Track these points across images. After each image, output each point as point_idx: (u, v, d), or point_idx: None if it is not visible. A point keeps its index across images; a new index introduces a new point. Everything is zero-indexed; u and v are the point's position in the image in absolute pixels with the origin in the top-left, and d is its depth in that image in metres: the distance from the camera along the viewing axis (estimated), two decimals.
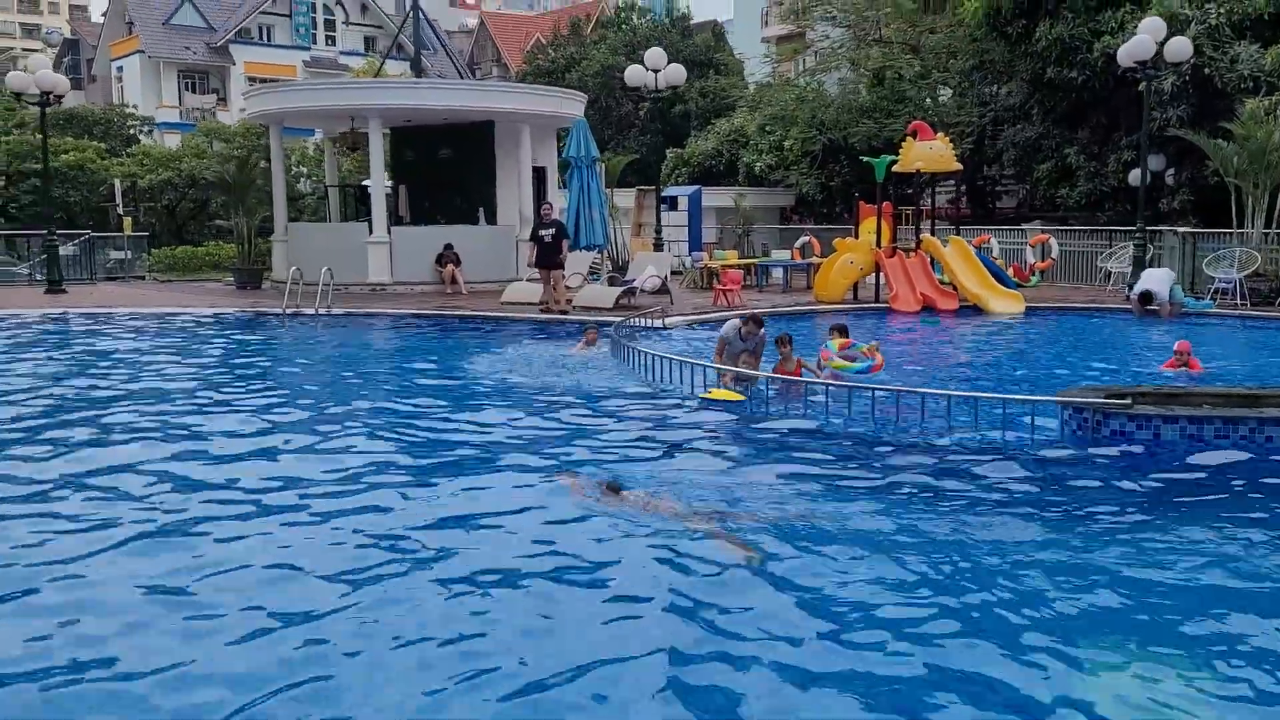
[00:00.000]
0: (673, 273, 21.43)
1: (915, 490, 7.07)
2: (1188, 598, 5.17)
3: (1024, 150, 25.95)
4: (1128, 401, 8.42)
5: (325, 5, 56.84)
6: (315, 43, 56.14)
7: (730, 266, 21.21)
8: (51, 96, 21.41)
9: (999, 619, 4.88)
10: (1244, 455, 7.87)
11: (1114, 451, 8.08)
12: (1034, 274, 22.41)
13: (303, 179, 34.74)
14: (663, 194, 25.07)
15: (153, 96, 51.57)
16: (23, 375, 11.71)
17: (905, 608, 5.00)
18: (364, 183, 28.27)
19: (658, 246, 22.24)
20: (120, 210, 30.58)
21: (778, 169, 30.91)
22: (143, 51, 52.17)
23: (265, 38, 55.53)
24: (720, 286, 18.98)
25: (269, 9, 55.07)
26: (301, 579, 5.38)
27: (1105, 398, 8.66)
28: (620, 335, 12.86)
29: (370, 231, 21.95)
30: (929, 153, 19.14)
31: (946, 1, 30.43)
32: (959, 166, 20.20)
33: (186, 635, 4.66)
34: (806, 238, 25.62)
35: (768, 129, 31.42)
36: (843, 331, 11.11)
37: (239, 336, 15.83)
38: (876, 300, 19.07)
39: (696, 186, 29.27)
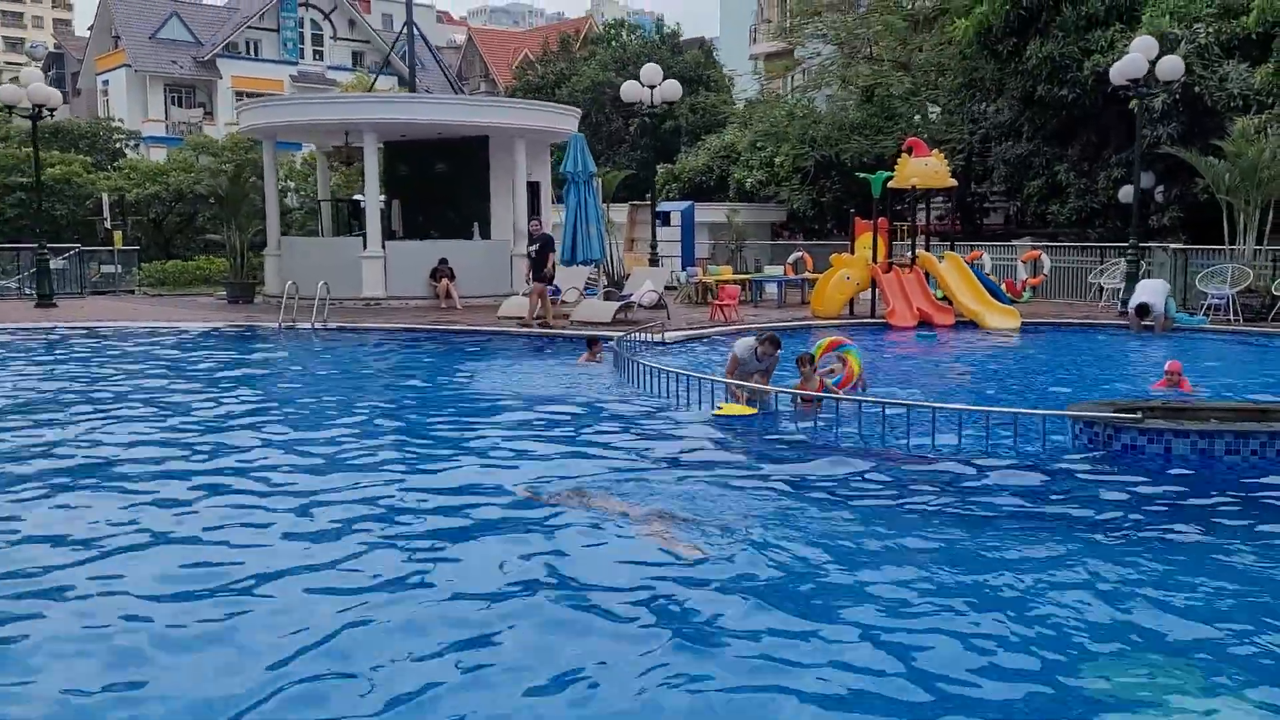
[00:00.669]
0: (667, 288, 21.46)
1: (928, 504, 7.07)
2: (1210, 614, 5.17)
3: (1014, 167, 26.14)
4: (1138, 416, 8.46)
5: (313, 20, 56.85)
6: (303, 57, 56.12)
7: (727, 282, 21.24)
8: (43, 109, 21.26)
9: (1016, 635, 4.87)
10: (1256, 470, 7.92)
11: (1125, 466, 8.11)
12: (1026, 290, 22.56)
13: (290, 193, 34.62)
14: (657, 209, 25.11)
15: (139, 110, 51.40)
16: (18, 390, 11.60)
17: (916, 619, 5.00)
18: (355, 197, 28.22)
19: (653, 262, 22.26)
20: (108, 224, 30.39)
21: (769, 185, 31.05)
22: (129, 65, 52.01)
23: (253, 52, 55.47)
24: (717, 302, 19.01)
25: (257, 24, 55.04)
26: (284, 587, 5.40)
27: (1115, 412, 8.71)
28: (624, 349, 12.84)
29: (365, 246, 21.89)
30: (924, 169, 19.25)
31: (936, 20, 30.68)
32: (954, 183, 20.33)
33: (164, 666, 4.60)
34: (799, 253, 25.72)
35: (759, 145, 31.57)
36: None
37: (235, 352, 15.71)
38: (873, 315, 19.13)
39: (689, 202, 29.36)
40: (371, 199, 22.16)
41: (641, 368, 11.58)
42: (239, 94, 52.62)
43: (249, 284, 23.49)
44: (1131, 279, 19.18)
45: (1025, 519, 6.79)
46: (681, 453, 8.59)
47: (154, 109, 52.42)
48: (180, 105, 53.83)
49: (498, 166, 23.22)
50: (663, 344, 15.38)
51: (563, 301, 19.78)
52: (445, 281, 21.35)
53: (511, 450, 8.56)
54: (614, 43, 44.39)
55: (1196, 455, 8.18)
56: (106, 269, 26.21)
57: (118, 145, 41.22)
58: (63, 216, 31.39)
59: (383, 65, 34.42)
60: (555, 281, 20.76)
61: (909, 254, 19.91)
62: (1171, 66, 18.64)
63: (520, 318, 18.07)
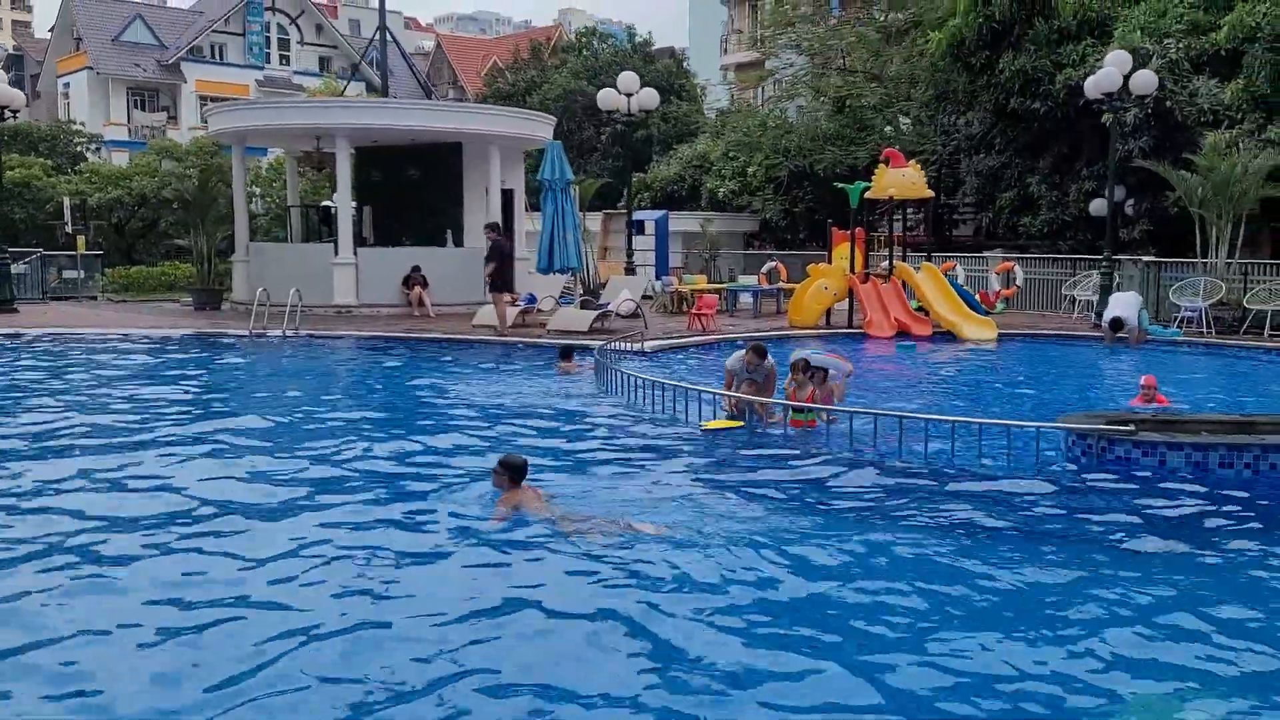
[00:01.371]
0: (643, 297, 21.33)
1: (920, 517, 6.97)
2: (1215, 624, 5.10)
3: (986, 179, 26.27)
4: (1131, 428, 8.42)
5: (279, 25, 56.24)
6: (269, 62, 55.45)
7: (705, 291, 21.15)
8: (5, 111, 20.77)
9: (1018, 653, 4.77)
10: (1249, 482, 7.91)
11: (1118, 477, 8.06)
12: (999, 301, 22.62)
13: (255, 199, 34.11)
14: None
15: (100, 113, 50.54)
16: None
17: (909, 636, 4.90)
18: (324, 203, 27.86)
19: (629, 270, 22.11)
20: (69, 228, 29.79)
21: (741, 194, 31.03)
22: (91, 68, 51.13)
23: (218, 56, 54.75)
24: (695, 311, 18.89)
25: (222, 28, 54.34)
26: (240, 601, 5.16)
27: (1106, 424, 8.67)
28: (606, 359, 12.67)
29: (336, 253, 21.57)
30: (902, 180, 19.28)
31: (908, 32, 30.85)
32: (930, 194, 20.39)
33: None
34: (773, 263, 25.67)
35: (731, 155, 31.55)
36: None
37: (204, 359, 15.37)
38: (850, 326, 19.11)
39: (664, 211, 29.26)
40: (344, 205, 21.85)
41: (626, 378, 11.42)
42: (203, 98, 51.90)
43: (216, 290, 23.07)
44: (1105, 291, 19.29)
45: (1025, 534, 6.71)
46: (667, 466, 8.45)
47: (116, 112, 51.56)
48: (143, 109, 52.99)
49: (471, 173, 22.99)
50: (643, 353, 15.23)
51: (539, 310, 19.58)
52: (418, 289, 21.08)
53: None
54: (585, 51, 44.29)
55: (1190, 468, 8.15)
56: (69, 274, 25.64)
57: (79, 149, 40.50)
58: (21, 220, 30.73)
59: (353, 71, 34.00)
60: (530, 290, 20.62)
61: (884, 264, 19.93)
62: (1145, 81, 18.80)
63: (493, 326, 17.89)
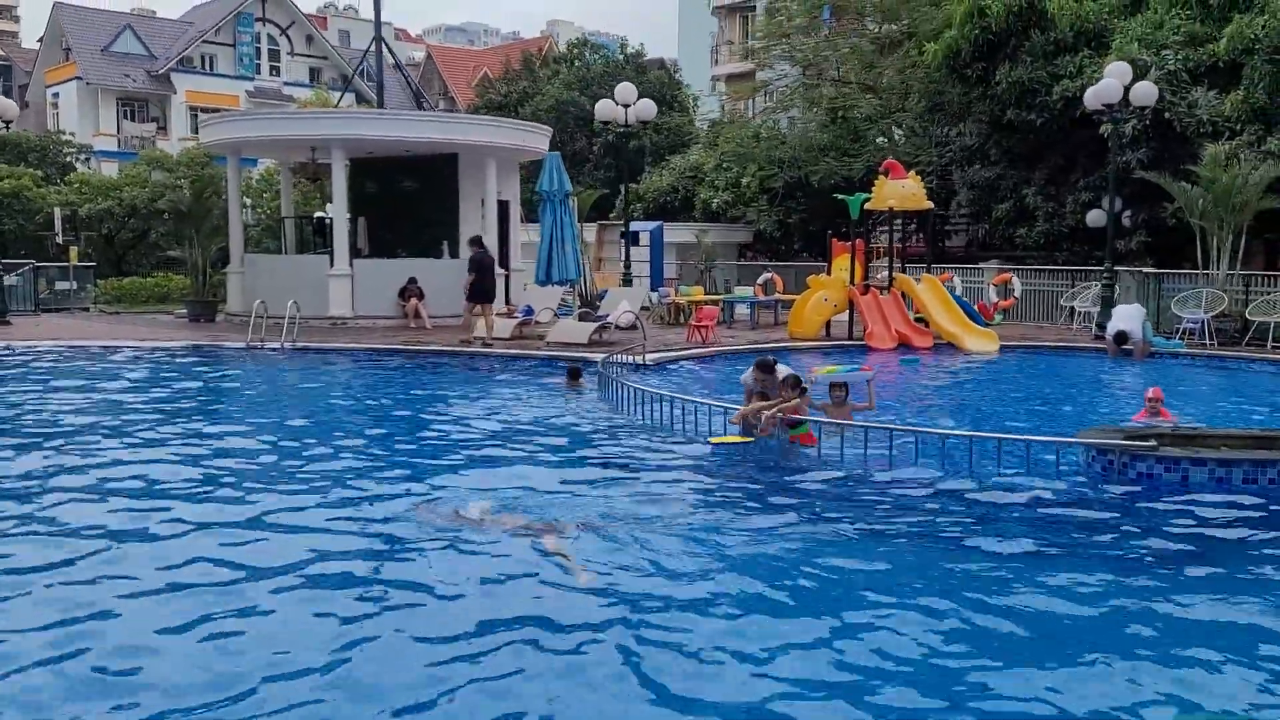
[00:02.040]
0: (641, 308, 21.19)
1: (942, 532, 6.85)
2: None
3: (982, 190, 26.25)
4: (1153, 444, 8.32)
5: (270, 36, 56.09)
6: (259, 73, 55.32)
7: (704, 303, 21.03)
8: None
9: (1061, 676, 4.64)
10: (1275, 497, 7.80)
11: (1141, 494, 7.95)
12: (997, 313, 22.58)
13: (246, 210, 33.85)
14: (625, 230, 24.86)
15: (90, 124, 50.27)
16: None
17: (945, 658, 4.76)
18: (317, 214, 27.66)
19: (626, 282, 21.99)
20: (59, 239, 29.51)
21: (735, 205, 30.95)
22: (80, 78, 50.89)
23: (208, 67, 54.57)
24: (695, 323, 18.76)
25: (212, 38, 54.18)
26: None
27: (1125, 438, 8.57)
28: (610, 373, 12.53)
29: (331, 264, 21.38)
30: (902, 191, 19.22)
31: (902, 44, 30.86)
32: (930, 205, 20.32)
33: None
34: (769, 274, 25.60)
35: (724, 166, 31.49)
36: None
37: (205, 372, 15.16)
38: (850, 337, 19.01)
39: (658, 222, 29.16)
40: (339, 216, 21.68)
41: (632, 392, 11.29)
42: (193, 109, 51.71)
43: (211, 302, 22.85)
44: (1106, 303, 19.24)
45: (1057, 554, 6.56)
46: (673, 480, 8.34)
47: (105, 123, 51.30)
48: (133, 119, 52.74)
49: (467, 184, 22.84)
50: (644, 366, 15.09)
51: (537, 322, 19.43)
52: (414, 301, 20.92)
53: (502, 480, 8.22)
54: (577, 62, 44.22)
55: (1214, 484, 8.04)
56: (61, 286, 25.36)
57: (68, 159, 40.21)
58: (11, 231, 30.45)
59: (349, 82, 33.87)
60: (528, 303, 20.49)
61: (881, 275, 19.86)
62: (1145, 92, 18.80)
63: (505, 338, 17.81)
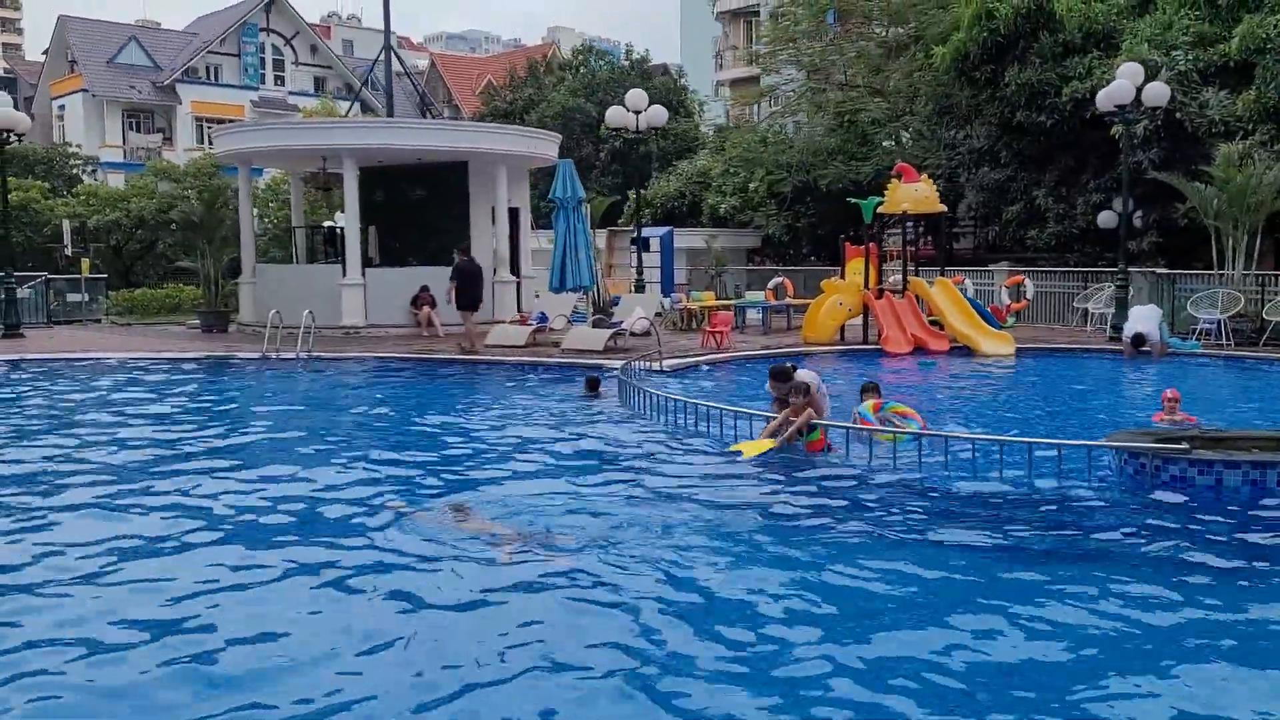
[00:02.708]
0: (654, 314, 21.18)
1: (981, 539, 6.81)
2: None
3: (992, 192, 26.23)
4: (1185, 447, 8.27)
5: (274, 46, 56.19)
6: (264, 83, 55.38)
7: (718, 308, 21.01)
8: (11, 134, 20.54)
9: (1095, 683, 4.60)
10: None
11: (1177, 497, 7.91)
12: (1010, 315, 22.55)
13: (254, 219, 33.89)
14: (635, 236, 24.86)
15: (96, 135, 50.33)
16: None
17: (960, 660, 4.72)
18: (326, 224, 27.68)
19: (639, 288, 21.98)
20: (68, 251, 29.56)
21: (743, 210, 30.95)
22: (86, 90, 50.97)
23: (213, 77, 54.65)
24: (709, 329, 18.74)
25: (217, 49, 54.27)
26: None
27: (1155, 441, 8.52)
28: (631, 379, 12.51)
29: (344, 273, 21.39)
30: (915, 194, 19.18)
31: (909, 47, 30.86)
32: (943, 208, 20.29)
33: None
34: (780, 279, 25.57)
35: (732, 170, 31.49)
36: (875, 390, 10.58)
37: (224, 384, 15.16)
38: (865, 342, 18.98)
39: (668, 228, 29.15)
40: (351, 225, 21.70)
41: (654, 399, 11.26)
42: (199, 119, 51.85)
43: (223, 312, 22.86)
44: (1121, 305, 19.20)
45: (1104, 559, 6.51)
46: (697, 487, 8.28)
47: (111, 134, 51.37)
48: (138, 130, 52.81)
49: (477, 192, 22.86)
50: (662, 372, 15.08)
51: (551, 329, 19.43)
52: (427, 309, 20.91)
53: (540, 491, 8.19)
54: (582, 69, 44.31)
55: (1248, 487, 7.99)
56: (73, 298, 25.39)
57: (74, 171, 40.30)
58: (19, 244, 30.50)
59: (358, 92, 33.92)
60: (541, 310, 20.48)
61: (893, 278, 19.81)
62: (1157, 93, 18.76)
63: (518, 345, 17.82)
